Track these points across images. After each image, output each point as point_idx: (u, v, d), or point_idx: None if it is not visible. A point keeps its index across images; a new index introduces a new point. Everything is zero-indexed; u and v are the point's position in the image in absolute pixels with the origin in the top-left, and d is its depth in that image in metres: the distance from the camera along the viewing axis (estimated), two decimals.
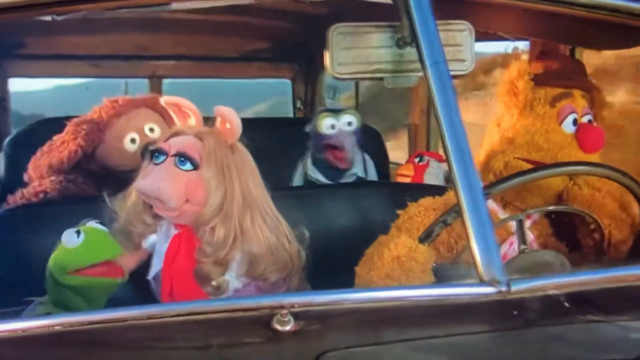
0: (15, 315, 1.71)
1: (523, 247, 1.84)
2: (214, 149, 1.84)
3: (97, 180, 2.48)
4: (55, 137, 2.47)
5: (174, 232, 1.91)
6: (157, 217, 1.89)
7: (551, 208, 2.07)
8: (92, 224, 1.83)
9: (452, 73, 1.48)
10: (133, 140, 2.46)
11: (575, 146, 2.11)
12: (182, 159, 1.81)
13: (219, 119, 1.87)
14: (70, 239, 1.78)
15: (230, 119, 1.84)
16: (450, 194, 2.10)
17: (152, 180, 1.80)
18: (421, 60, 1.48)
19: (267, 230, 1.88)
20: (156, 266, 1.93)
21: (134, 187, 1.83)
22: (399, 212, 2.05)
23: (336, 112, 2.97)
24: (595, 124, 2.17)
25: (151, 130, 2.48)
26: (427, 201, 2.09)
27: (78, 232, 1.79)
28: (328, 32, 1.72)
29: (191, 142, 1.84)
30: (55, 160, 2.42)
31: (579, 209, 2.01)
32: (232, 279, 1.85)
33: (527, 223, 2.03)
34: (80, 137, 2.42)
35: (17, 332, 1.22)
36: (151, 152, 1.84)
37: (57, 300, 1.81)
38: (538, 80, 2.13)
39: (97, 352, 1.24)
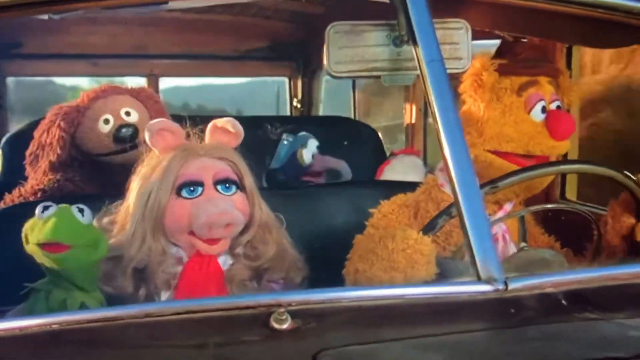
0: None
1: (523, 244, 1.84)
2: (242, 163, 1.84)
3: (95, 179, 2.49)
4: (36, 131, 2.49)
5: (185, 258, 1.83)
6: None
7: (549, 206, 2.07)
8: (72, 207, 1.72)
9: (449, 71, 1.48)
10: (107, 121, 2.46)
11: (546, 134, 2.10)
12: (227, 185, 1.79)
13: (209, 128, 1.86)
14: (38, 211, 1.74)
15: (235, 129, 1.84)
16: (421, 189, 2.12)
17: (214, 206, 1.76)
18: (418, 58, 1.48)
19: (279, 234, 1.90)
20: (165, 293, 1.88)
21: (198, 217, 1.75)
22: (372, 210, 2.05)
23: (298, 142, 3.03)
24: (563, 109, 2.17)
25: (127, 113, 2.48)
26: (399, 198, 2.10)
27: (47, 207, 1.74)
28: (325, 31, 1.72)
29: (220, 166, 1.82)
30: (48, 151, 2.42)
31: (575, 207, 2.01)
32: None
33: (500, 213, 2.04)
34: (59, 120, 2.44)
35: (14, 330, 1.22)
36: (179, 188, 1.78)
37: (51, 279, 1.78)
38: (503, 70, 2.11)
39: (95, 351, 1.23)
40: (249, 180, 1.84)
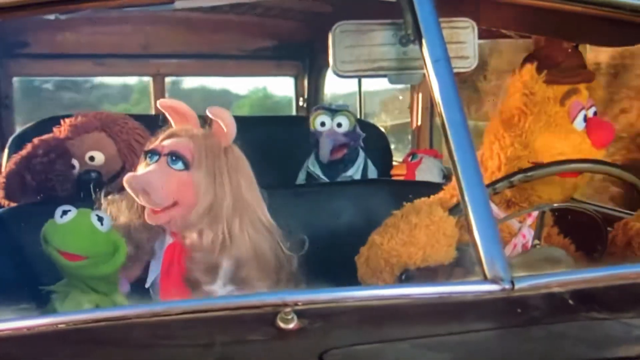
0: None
1: (536, 242, 1.83)
2: (206, 151, 1.84)
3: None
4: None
5: (169, 240, 1.91)
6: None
7: (556, 205, 2.06)
8: (91, 214, 1.80)
9: (455, 70, 1.48)
10: (73, 167, 2.50)
11: (589, 143, 2.04)
12: (174, 157, 1.81)
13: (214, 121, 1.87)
14: (57, 213, 1.77)
15: (224, 121, 1.84)
16: (444, 191, 2.10)
17: (143, 173, 1.82)
18: (424, 57, 1.48)
19: (256, 236, 1.88)
20: (152, 274, 1.93)
21: (124, 182, 1.82)
22: (395, 212, 2.04)
23: (331, 111, 2.99)
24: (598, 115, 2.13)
25: (91, 158, 2.51)
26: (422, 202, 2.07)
27: (66, 212, 1.76)
28: (331, 30, 1.72)
29: (184, 143, 1.85)
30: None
31: (581, 207, 2.00)
32: (220, 287, 1.85)
33: (528, 221, 2.02)
34: (40, 156, 2.45)
35: (21, 330, 1.22)
36: (145, 152, 1.87)
37: (69, 281, 1.80)
38: (546, 79, 2.05)
39: (102, 350, 1.23)
40: (201, 168, 1.85)
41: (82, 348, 1.23)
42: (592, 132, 2.05)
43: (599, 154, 2.07)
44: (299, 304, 1.25)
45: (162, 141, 1.88)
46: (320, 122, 2.97)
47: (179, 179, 1.82)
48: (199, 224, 1.84)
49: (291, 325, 1.21)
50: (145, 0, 1.66)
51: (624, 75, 3.88)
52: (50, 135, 2.55)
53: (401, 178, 2.96)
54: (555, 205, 2.04)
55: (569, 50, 2.17)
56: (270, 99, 5.53)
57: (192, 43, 3.99)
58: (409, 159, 3.11)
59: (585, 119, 2.06)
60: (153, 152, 1.86)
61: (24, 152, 2.46)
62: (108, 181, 2.48)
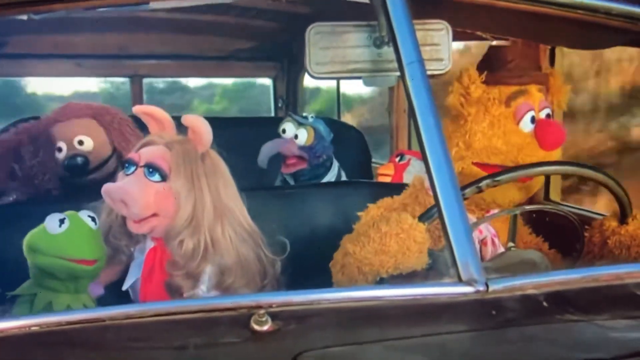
0: None
1: (510, 244, 1.84)
2: (183, 159, 1.83)
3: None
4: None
5: (150, 245, 1.90)
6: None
7: (529, 207, 2.07)
8: (83, 215, 1.79)
9: (429, 72, 1.48)
10: (60, 149, 2.47)
11: (536, 145, 2.07)
12: (151, 169, 1.80)
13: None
14: (52, 224, 1.74)
15: (198, 128, 1.84)
16: (407, 192, 2.10)
17: (121, 184, 1.82)
18: (398, 59, 1.48)
19: (238, 241, 1.88)
20: (131, 277, 1.93)
21: (102, 191, 1.82)
22: (360, 214, 2.04)
23: (297, 122, 2.97)
24: (554, 116, 2.15)
25: (80, 142, 2.47)
26: (385, 202, 2.07)
27: (62, 220, 1.75)
28: (306, 32, 1.72)
29: (160, 152, 1.84)
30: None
31: (559, 208, 2.01)
32: (203, 292, 1.84)
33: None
34: (20, 135, 2.47)
35: None
36: (122, 162, 1.87)
37: (39, 282, 1.79)
38: (491, 80, 2.07)
39: (75, 353, 1.23)
40: (179, 178, 1.84)
41: (55, 351, 1.22)
42: (539, 134, 2.07)
43: (550, 156, 2.08)
44: (273, 305, 1.25)
45: (139, 149, 1.87)
46: (282, 128, 2.96)
47: (156, 190, 1.81)
48: (180, 231, 1.83)
49: (265, 327, 1.21)
50: (119, 1, 1.65)
51: None
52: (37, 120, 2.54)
53: (388, 179, 2.95)
54: (527, 207, 2.05)
55: (517, 50, 2.18)
56: (249, 100, 5.52)
57: (171, 44, 3.98)
58: (397, 159, 3.09)
59: (534, 120, 2.07)
60: (130, 162, 1.84)
61: (6, 136, 2.44)
62: (94, 169, 2.46)
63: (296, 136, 2.92)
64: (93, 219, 1.79)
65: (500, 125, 2.06)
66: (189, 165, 1.84)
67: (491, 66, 2.09)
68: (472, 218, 2.02)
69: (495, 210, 2.07)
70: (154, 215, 1.82)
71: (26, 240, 1.75)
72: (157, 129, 1.91)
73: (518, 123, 2.06)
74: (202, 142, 1.85)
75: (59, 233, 1.74)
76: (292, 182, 3.02)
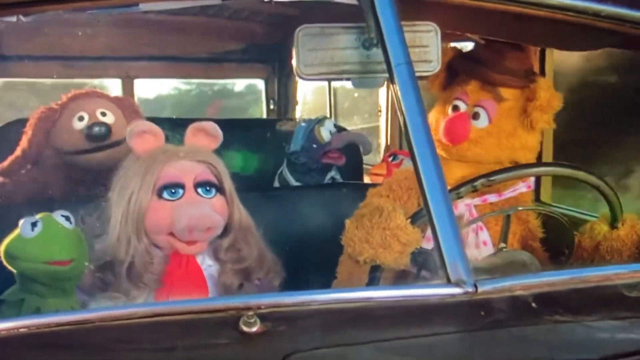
0: None
1: (502, 245, 1.84)
2: (216, 166, 1.85)
3: (62, 180, 2.49)
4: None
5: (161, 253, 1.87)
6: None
7: (522, 208, 2.07)
8: (56, 216, 1.76)
9: (418, 74, 1.48)
10: (81, 118, 2.48)
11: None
12: (207, 188, 1.81)
13: (188, 131, 1.87)
14: (25, 228, 1.72)
15: (214, 131, 1.86)
16: (385, 182, 2.13)
17: (197, 212, 1.78)
18: (387, 61, 1.48)
19: (255, 240, 1.91)
20: None
21: (182, 228, 1.79)
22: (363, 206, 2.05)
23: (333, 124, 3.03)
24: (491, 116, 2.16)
25: (103, 114, 2.50)
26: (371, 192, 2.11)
27: (34, 224, 1.72)
28: (295, 33, 1.71)
29: (200, 168, 1.85)
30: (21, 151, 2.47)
31: (548, 210, 2.02)
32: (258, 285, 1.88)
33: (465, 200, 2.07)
34: (36, 119, 2.49)
35: None
36: (160, 188, 1.80)
37: (25, 288, 1.77)
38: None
39: (63, 354, 1.23)
40: (228, 184, 1.86)
41: (44, 352, 1.22)
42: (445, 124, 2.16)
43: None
44: (262, 307, 1.25)
45: (162, 171, 1.82)
46: (328, 132, 3.00)
47: (220, 205, 1.84)
48: (232, 235, 1.87)
49: (254, 329, 1.21)
50: (109, 2, 1.64)
51: None
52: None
53: (381, 178, 2.96)
54: (520, 207, 2.06)
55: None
56: (241, 101, 5.52)
57: (162, 46, 3.97)
58: (389, 159, 3.09)
59: (456, 109, 2.17)
60: (176, 186, 1.80)
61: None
62: (111, 144, 2.45)
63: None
64: (67, 218, 1.76)
65: (439, 111, 2.20)
66: (224, 170, 1.89)
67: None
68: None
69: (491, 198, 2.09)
70: (209, 229, 1.82)
71: (2, 247, 1.73)
72: (150, 144, 1.87)
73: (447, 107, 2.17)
74: (214, 145, 1.87)
75: (31, 237, 1.71)
76: (293, 181, 3.03)
